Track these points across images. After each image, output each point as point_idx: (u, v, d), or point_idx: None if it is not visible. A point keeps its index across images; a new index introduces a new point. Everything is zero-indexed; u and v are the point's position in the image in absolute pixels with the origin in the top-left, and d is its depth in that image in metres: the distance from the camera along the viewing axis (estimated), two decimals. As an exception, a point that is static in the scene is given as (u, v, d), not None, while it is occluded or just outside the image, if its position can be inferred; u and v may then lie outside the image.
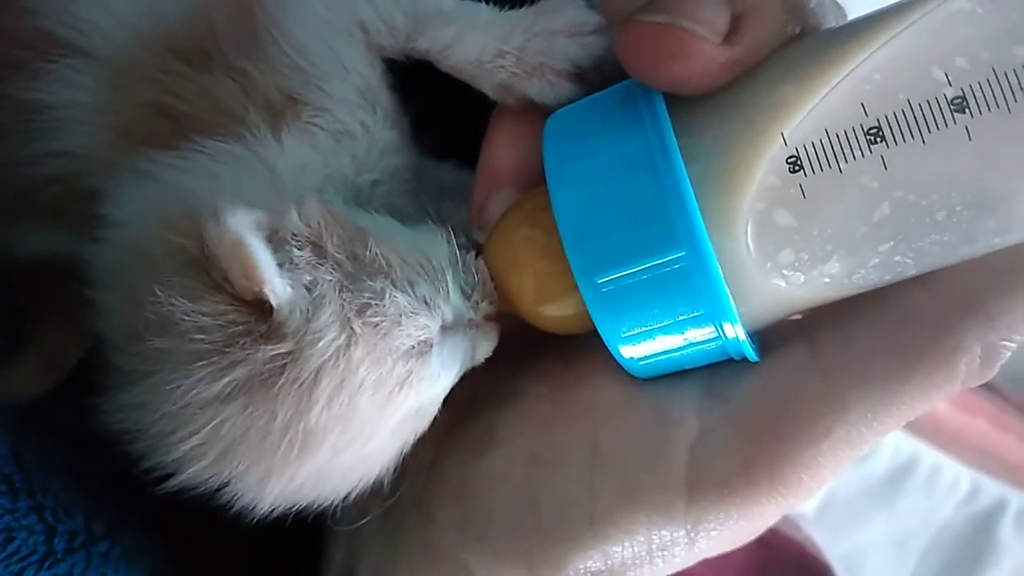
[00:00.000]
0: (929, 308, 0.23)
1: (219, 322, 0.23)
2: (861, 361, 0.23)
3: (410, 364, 0.25)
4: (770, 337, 0.26)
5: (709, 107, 0.23)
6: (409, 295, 0.25)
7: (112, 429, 0.25)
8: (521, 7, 0.28)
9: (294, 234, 0.24)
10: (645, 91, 0.24)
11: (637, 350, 0.25)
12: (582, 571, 0.24)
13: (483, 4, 0.28)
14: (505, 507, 0.26)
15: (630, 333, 0.24)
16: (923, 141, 0.20)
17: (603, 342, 0.25)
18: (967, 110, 0.20)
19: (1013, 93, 0.20)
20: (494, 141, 0.28)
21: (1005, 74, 0.20)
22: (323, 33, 0.28)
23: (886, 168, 0.21)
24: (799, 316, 0.26)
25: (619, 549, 0.24)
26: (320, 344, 0.23)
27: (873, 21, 0.22)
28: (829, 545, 0.61)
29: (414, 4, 0.28)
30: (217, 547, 0.28)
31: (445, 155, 0.35)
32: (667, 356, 0.25)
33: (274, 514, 0.25)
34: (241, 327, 0.23)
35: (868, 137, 0.21)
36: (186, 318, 0.23)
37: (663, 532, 0.24)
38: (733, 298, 0.23)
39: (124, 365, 0.25)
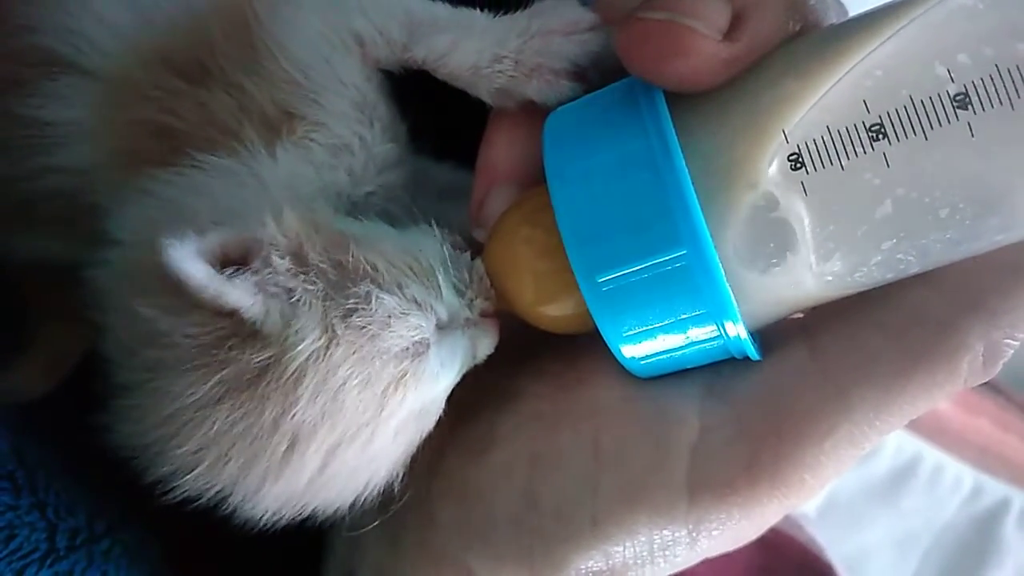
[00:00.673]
0: (931, 306, 0.23)
1: (204, 331, 0.23)
2: (863, 360, 0.23)
3: (404, 365, 0.25)
4: (771, 336, 0.25)
5: (710, 104, 0.23)
6: (398, 297, 0.25)
7: (116, 446, 0.25)
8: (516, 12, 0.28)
9: (272, 246, 0.24)
10: (645, 88, 0.24)
11: (638, 349, 0.25)
12: (583, 571, 0.24)
13: (478, 11, 0.28)
14: (506, 507, 0.25)
15: (631, 332, 0.24)
16: (925, 138, 0.20)
17: (604, 341, 0.25)
18: (970, 106, 0.20)
19: (1016, 89, 0.20)
20: (493, 139, 0.28)
21: (1008, 70, 0.20)
22: (319, 47, 0.28)
23: (888, 165, 0.21)
24: (800, 315, 0.25)
25: (621, 549, 0.24)
26: (300, 347, 0.23)
27: (875, 17, 0.21)
28: (831, 545, 0.61)
29: (409, 14, 0.28)
30: (218, 547, 0.28)
31: (443, 156, 0.35)
32: (669, 355, 0.25)
33: (280, 522, 0.25)
34: (224, 332, 0.23)
35: (870, 134, 0.21)
36: (170, 328, 0.23)
37: (665, 532, 0.24)
38: (734, 297, 0.23)
39: (124, 381, 0.25)
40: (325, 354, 0.24)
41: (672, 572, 0.25)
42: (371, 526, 0.27)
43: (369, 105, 0.29)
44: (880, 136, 0.21)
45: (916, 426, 0.76)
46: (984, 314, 0.22)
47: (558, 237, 0.24)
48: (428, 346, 0.25)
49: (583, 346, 0.28)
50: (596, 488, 0.25)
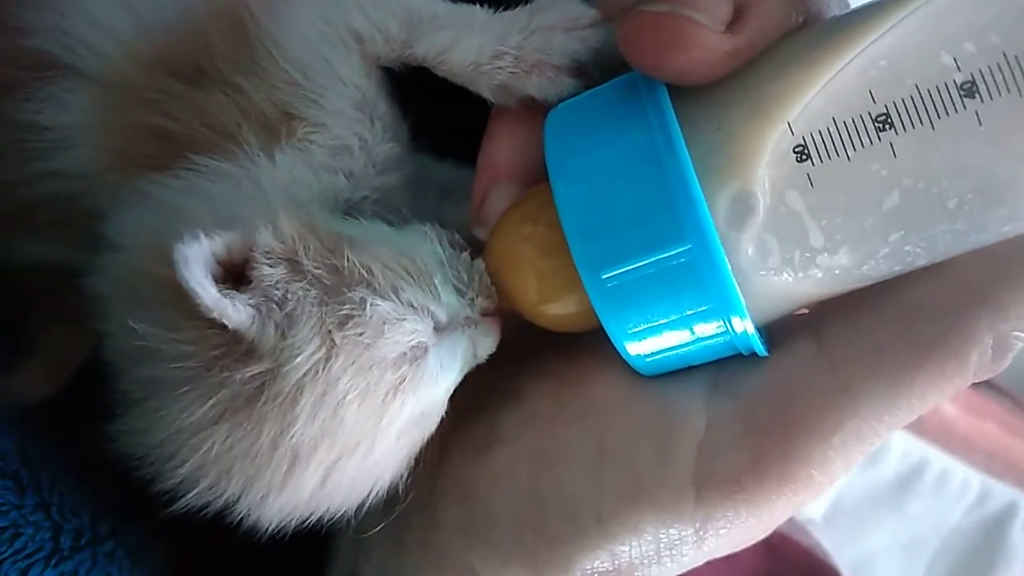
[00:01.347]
0: (939, 299, 0.23)
1: (199, 347, 0.23)
2: (870, 354, 0.23)
3: (402, 370, 0.25)
4: (778, 331, 0.25)
5: (713, 97, 0.23)
6: (394, 301, 0.25)
7: (120, 454, 0.25)
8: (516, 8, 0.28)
9: (267, 252, 0.24)
10: (648, 82, 0.23)
11: (643, 346, 0.24)
12: (589, 571, 0.24)
13: (478, 7, 0.28)
14: (510, 507, 0.25)
15: (636, 329, 0.24)
16: (932, 128, 0.20)
17: (607, 339, 0.25)
18: (977, 95, 0.20)
19: (1024, 77, 0.20)
20: (494, 136, 0.28)
21: (1016, 58, 0.20)
22: (318, 45, 0.28)
23: (895, 156, 0.20)
24: (806, 310, 0.25)
25: (626, 548, 0.24)
26: (298, 359, 0.23)
27: (879, 6, 0.21)
28: (838, 550, 0.60)
29: (408, 11, 0.28)
30: (221, 550, 0.28)
31: (444, 154, 0.34)
32: (674, 352, 0.24)
33: (286, 529, 0.25)
34: (220, 350, 0.23)
35: (876, 124, 0.20)
36: (166, 347, 0.23)
37: (671, 530, 0.23)
38: (741, 292, 0.22)
39: (126, 391, 0.25)
40: (324, 367, 0.23)
41: (679, 572, 0.24)
42: (376, 529, 0.27)
43: (369, 104, 0.28)
44: (887, 126, 0.20)
45: (922, 430, 0.76)
46: (992, 306, 0.22)
47: (561, 234, 0.24)
48: (426, 349, 0.25)
49: (585, 344, 0.27)
50: (601, 487, 0.24)
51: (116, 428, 0.25)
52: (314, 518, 0.26)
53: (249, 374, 0.23)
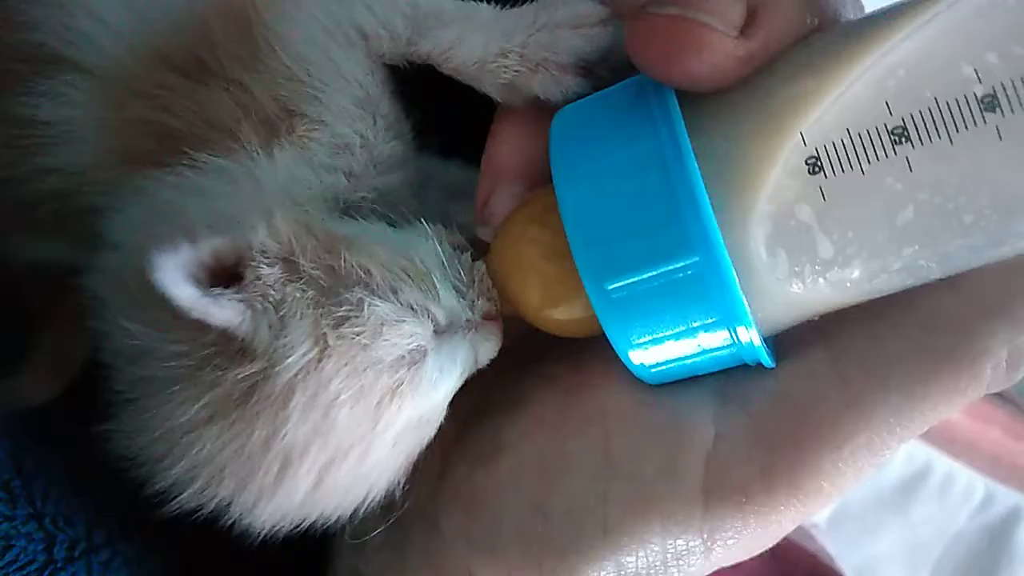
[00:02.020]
0: (954, 310, 0.22)
1: (191, 346, 0.23)
2: (883, 364, 0.23)
3: (400, 374, 0.24)
4: (788, 340, 0.25)
5: (723, 104, 0.22)
6: (392, 303, 0.24)
7: (114, 454, 0.25)
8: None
9: (263, 252, 0.24)
10: (656, 87, 0.23)
11: (648, 357, 0.24)
12: None
13: (484, 4, 0.28)
14: (514, 516, 0.25)
15: (641, 340, 0.24)
16: (951, 141, 0.20)
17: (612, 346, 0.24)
18: (998, 109, 0.19)
19: (1048, 91, 0.19)
20: (500, 136, 0.27)
21: (1039, 70, 0.19)
22: (321, 41, 0.27)
23: (911, 170, 0.20)
24: (817, 318, 0.25)
25: (633, 559, 0.23)
26: (289, 360, 0.23)
27: (896, 12, 0.21)
28: (842, 555, 0.60)
29: (414, 7, 0.27)
30: (220, 558, 0.28)
31: (450, 154, 0.34)
32: (679, 363, 0.24)
33: (278, 533, 0.25)
34: (211, 350, 0.23)
35: (892, 137, 0.20)
36: (159, 345, 0.23)
37: (678, 541, 0.23)
38: (748, 304, 0.22)
39: (120, 391, 0.25)
40: (316, 367, 0.23)
41: None
42: (373, 535, 0.27)
43: (372, 101, 0.28)
44: (903, 139, 0.20)
45: (927, 434, 0.75)
46: (1008, 319, 0.22)
47: (566, 239, 0.23)
48: (425, 353, 0.25)
49: (591, 350, 0.27)
50: (607, 496, 0.24)
51: (109, 428, 0.25)
52: (308, 523, 0.25)
53: (242, 374, 0.23)
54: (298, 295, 0.24)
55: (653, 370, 0.24)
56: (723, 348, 0.23)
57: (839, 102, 0.20)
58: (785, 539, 0.25)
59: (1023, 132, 0.19)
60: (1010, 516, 0.77)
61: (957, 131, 0.19)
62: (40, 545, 0.26)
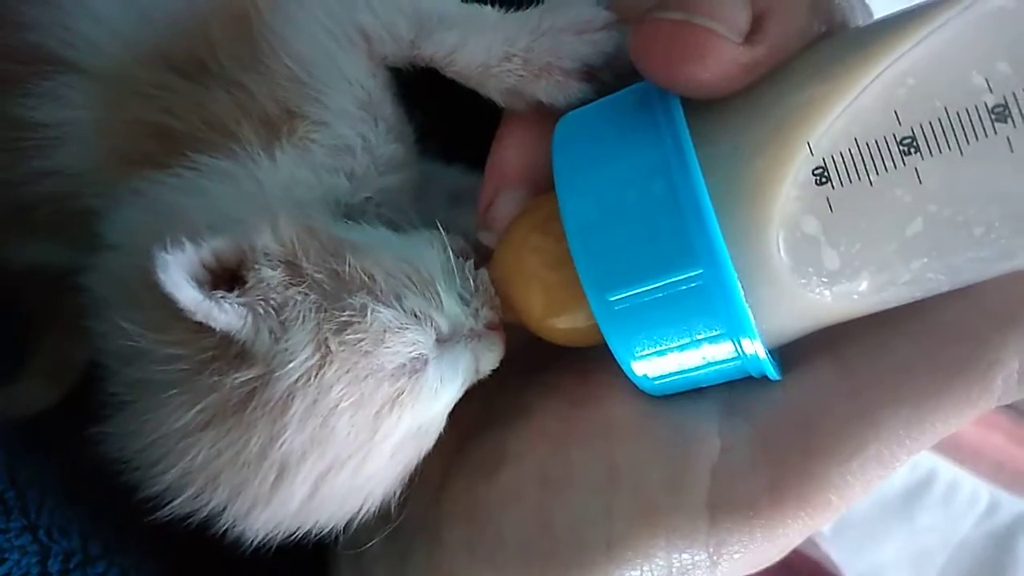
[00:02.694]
0: (965, 321, 0.22)
1: (189, 350, 0.23)
2: (893, 376, 0.22)
3: (400, 383, 0.24)
4: (795, 351, 0.24)
5: (729, 112, 0.22)
6: (395, 309, 0.24)
7: (110, 458, 0.24)
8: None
9: (266, 254, 0.23)
10: (661, 94, 0.23)
11: (651, 368, 0.24)
12: None
13: (489, 7, 0.27)
14: (517, 529, 0.24)
15: (644, 352, 0.23)
16: (961, 152, 0.19)
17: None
18: (1009, 119, 0.19)
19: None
20: (504, 140, 0.27)
21: (1053, 80, 0.19)
22: (323, 42, 0.27)
23: (920, 181, 0.20)
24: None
25: (638, 573, 0.23)
26: (290, 365, 0.22)
27: (905, 19, 0.20)
28: (847, 563, 0.60)
29: (417, 9, 0.27)
30: (215, 566, 0.27)
31: (454, 159, 0.34)
32: (683, 375, 0.24)
33: (273, 542, 0.25)
34: (210, 353, 0.23)
35: (901, 148, 0.20)
36: (156, 348, 0.23)
37: (684, 555, 0.23)
38: (754, 316, 0.22)
39: (116, 393, 0.25)
40: (317, 374, 0.23)
41: None
42: (368, 545, 0.26)
43: (374, 103, 0.28)
44: (912, 150, 0.19)
45: (932, 441, 0.75)
46: (1021, 329, 0.21)
47: (568, 247, 0.23)
48: (427, 362, 0.25)
49: (595, 360, 0.26)
50: (611, 510, 0.24)
51: (103, 430, 0.24)
52: (303, 532, 0.25)
53: (240, 379, 0.22)
54: (300, 299, 0.23)
55: (656, 382, 0.24)
56: (728, 361, 0.23)
57: (847, 111, 0.20)
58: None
59: None
60: (1015, 523, 0.77)
61: (967, 142, 0.19)
62: (34, 558, 0.25)
